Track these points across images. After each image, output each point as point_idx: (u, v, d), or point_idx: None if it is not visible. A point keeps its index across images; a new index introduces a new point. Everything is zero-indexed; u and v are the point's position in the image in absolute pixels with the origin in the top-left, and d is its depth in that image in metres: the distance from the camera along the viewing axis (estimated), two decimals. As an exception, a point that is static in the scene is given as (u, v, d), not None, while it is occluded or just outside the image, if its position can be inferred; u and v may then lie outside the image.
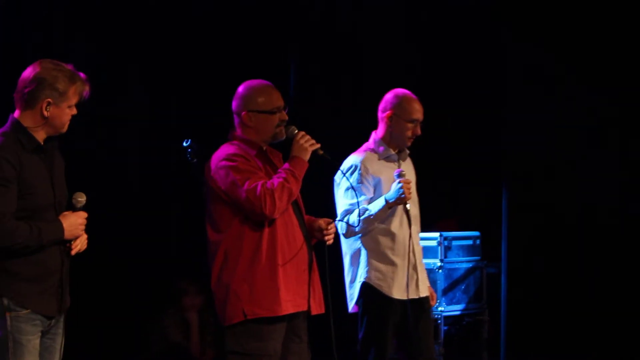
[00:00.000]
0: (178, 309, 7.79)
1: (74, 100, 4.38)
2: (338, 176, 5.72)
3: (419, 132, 5.73)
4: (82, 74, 4.41)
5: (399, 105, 5.72)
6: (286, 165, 4.98)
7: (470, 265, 7.83)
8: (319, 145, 5.03)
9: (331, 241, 5.10)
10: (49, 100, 4.33)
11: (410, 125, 5.71)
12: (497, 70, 7.97)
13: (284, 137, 5.07)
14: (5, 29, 7.11)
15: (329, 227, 5.07)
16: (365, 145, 5.81)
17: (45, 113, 4.34)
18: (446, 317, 7.60)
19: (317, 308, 5.06)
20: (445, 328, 7.61)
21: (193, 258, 8.12)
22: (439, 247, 7.54)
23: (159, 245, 8.12)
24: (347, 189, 5.65)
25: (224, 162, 4.97)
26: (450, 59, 8.16)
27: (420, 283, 5.72)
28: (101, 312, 7.51)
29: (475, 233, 7.92)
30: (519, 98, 7.97)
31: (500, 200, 7.98)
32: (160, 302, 7.87)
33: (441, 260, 7.53)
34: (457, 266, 7.74)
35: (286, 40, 8.29)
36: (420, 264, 5.75)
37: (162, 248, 8.18)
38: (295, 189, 4.93)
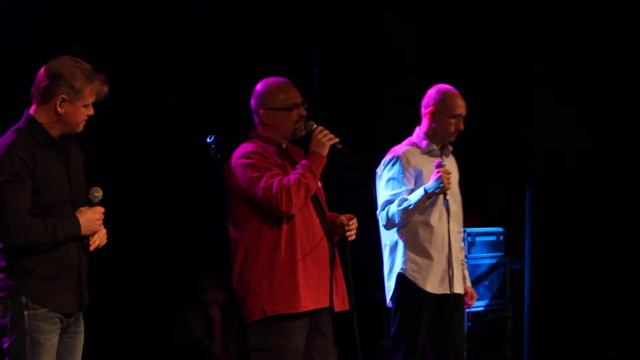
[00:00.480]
0: (201, 305, 7.80)
1: (90, 100, 4.33)
2: (379, 169, 5.73)
3: (461, 127, 5.73)
4: (102, 75, 4.36)
5: (442, 100, 5.72)
6: (304, 161, 4.98)
7: (493, 261, 7.82)
8: (337, 140, 5.01)
9: (353, 237, 5.07)
10: (64, 96, 4.28)
11: (453, 120, 5.71)
12: (524, 66, 7.93)
13: (304, 132, 5.06)
14: (5, 28, 7.10)
15: (351, 223, 5.06)
16: (408, 139, 5.81)
17: (59, 110, 4.30)
18: (470, 313, 7.58)
19: (341, 305, 5.05)
20: (469, 324, 7.59)
21: (215, 254, 8.16)
22: (463, 243, 7.51)
23: (181, 241, 8.13)
24: (389, 180, 5.66)
25: (241, 160, 4.98)
26: (475, 55, 8.13)
27: (455, 280, 5.68)
28: (125, 309, 7.52)
29: (499, 229, 7.90)
30: (545, 94, 7.93)
31: (524, 196, 7.95)
32: (183, 298, 7.88)
33: (465, 256, 7.51)
34: (480, 262, 7.72)
35: (310, 38, 8.28)
36: (457, 260, 5.72)
37: (185, 244, 8.19)
38: (313, 184, 4.91)
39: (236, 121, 7.96)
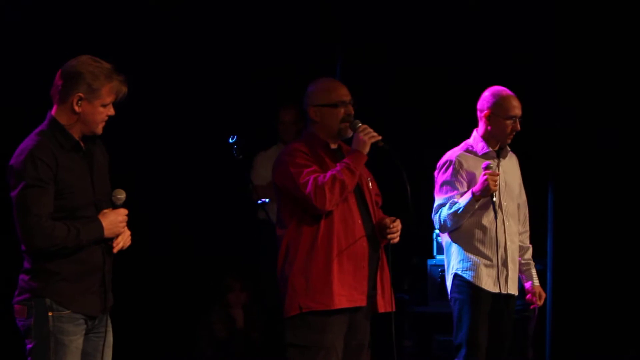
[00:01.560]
0: (224, 306, 7.82)
1: (108, 99, 4.29)
2: (436, 172, 5.76)
3: (518, 127, 5.71)
4: (122, 75, 4.31)
5: (497, 103, 5.70)
6: (345, 159, 5.01)
7: (516, 261, 7.78)
8: (380, 138, 5.03)
9: (396, 239, 5.09)
10: (80, 94, 4.24)
11: (509, 122, 5.69)
12: (545, 65, 7.91)
13: (351, 133, 5.09)
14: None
15: (392, 225, 5.07)
16: (465, 142, 5.81)
17: (77, 108, 4.25)
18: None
19: (386, 306, 5.08)
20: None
21: (238, 255, 8.19)
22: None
23: (204, 242, 8.16)
24: (442, 184, 5.69)
25: (284, 157, 5.03)
26: (494, 52, 8.12)
27: (510, 280, 5.69)
28: (148, 310, 7.55)
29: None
30: (567, 93, 7.90)
31: (546, 196, 7.93)
32: (206, 299, 7.90)
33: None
34: (502, 262, 7.69)
35: (332, 42, 8.29)
36: (512, 261, 5.72)
37: (208, 245, 8.22)
38: (350, 181, 4.92)
39: (257, 123, 8.07)
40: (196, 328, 7.78)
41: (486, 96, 5.76)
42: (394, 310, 5.10)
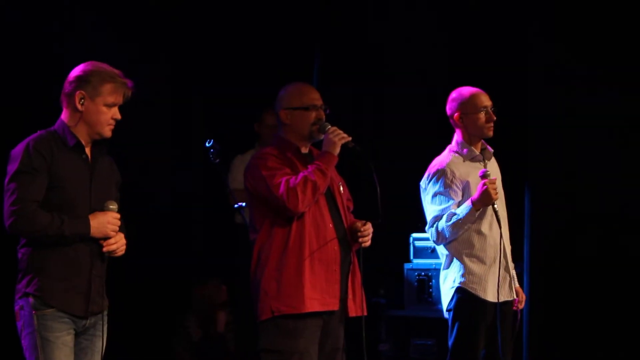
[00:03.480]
0: (200, 309, 7.81)
1: (110, 99, 4.40)
2: (424, 182, 5.69)
3: (493, 117, 5.67)
4: (128, 81, 4.45)
5: (463, 102, 5.67)
6: (316, 160, 5.02)
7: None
8: (349, 139, 5.05)
9: (368, 243, 5.11)
10: (83, 92, 4.38)
11: (481, 114, 5.65)
12: (520, 70, 7.92)
13: (321, 136, 5.11)
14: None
15: (364, 229, 5.07)
16: (449, 148, 5.75)
17: (79, 107, 4.39)
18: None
19: (357, 310, 5.09)
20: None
21: (215, 258, 8.18)
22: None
23: (181, 246, 8.15)
24: (435, 194, 5.61)
25: (255, 161, 5.07)
26: (473, 57, 8.13)
27: (508, 286, 5.66)
28: (123, 315, 7.51)
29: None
30: (543, 97, 7.91)
31: (522, 199, 7.94)
32: (182, 303, 7.89)
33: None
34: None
35: (310, 41, 8.30)
36: (510, 265, 5.69)
37: (184, 249, 8.21)
38: (321, 182, 4.94)
39: (234, 126, 8.07)
40: (172, 332, 7.76)
41: (451, 99, 5.74)
42: (365, 314, 5.10)
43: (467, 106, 5.66)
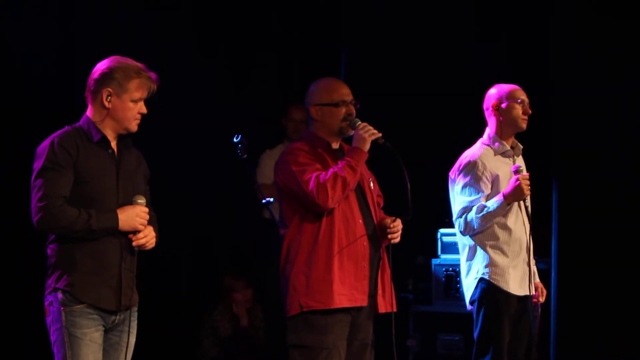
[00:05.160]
0: (228, 305, 7.82)
1: (136, 95, 4.41)
2: (454, 173, 5.71)
3: (529, 110, 5.71)
4: (152, 74, 4.45)
5: (501, 94, 5.73)
6: (346, 156, 5.02)
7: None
8: (380, 135, 5.05)
9: (397, 239, 5.11)
10: (110, 90, 4.39)
11: (519, 105, 5.69)
12: (547, 65, 7.90)
13: (351, 131, 5.11)
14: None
15: (393, 225, 5.08)
16: (480, 141, 5.78)
17: (107, 104, 4.39)
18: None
19: (387, 306, 5.09)
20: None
21: (242, 254, 8.20)
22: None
23: (208, 241, 8.17)
24: (465, 186, 5.63)
25: (285, 156, 5.07)
26: (499, 53, 8.12)
27: (530, 280, 5.66)
28: (152, 310, 7.54)
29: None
30: (571, 93, 7.88)
31: (550, 194, 7.91)
32: (210, 298, 7.90)
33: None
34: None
35: (338, 39, 8.31)
36: (532, 261, 5.69)
37: (212, 244, 8.22)
38: (351, 178, 4.94)
39: (262, 121, 8.08)
40: (200, 327, 7.78)
41: (490, 93, 5.79)
42: (394, 310, 5.11)
43: (506, 96, 5.71)
